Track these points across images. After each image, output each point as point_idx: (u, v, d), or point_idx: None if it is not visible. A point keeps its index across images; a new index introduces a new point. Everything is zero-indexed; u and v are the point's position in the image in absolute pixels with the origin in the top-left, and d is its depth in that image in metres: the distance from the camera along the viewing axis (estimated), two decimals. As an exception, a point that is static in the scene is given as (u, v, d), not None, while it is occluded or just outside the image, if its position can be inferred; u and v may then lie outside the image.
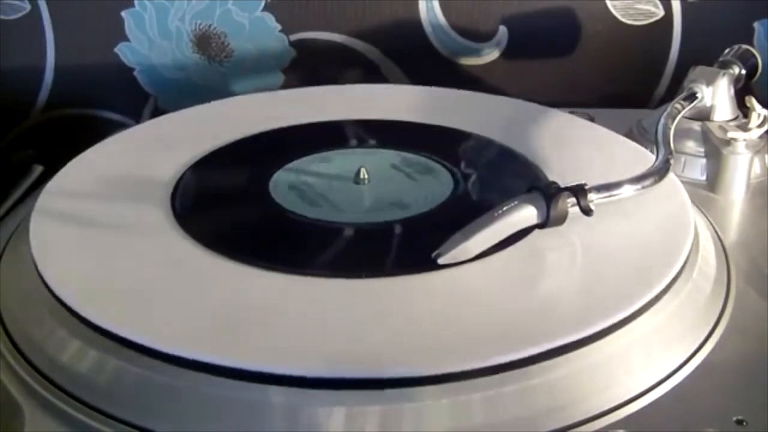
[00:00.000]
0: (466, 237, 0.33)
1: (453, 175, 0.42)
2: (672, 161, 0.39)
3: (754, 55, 0.48)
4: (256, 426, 0.27)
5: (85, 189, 0.41)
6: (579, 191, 0.34)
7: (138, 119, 0.65)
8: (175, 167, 0.43)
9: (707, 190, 0.45)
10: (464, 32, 0.63)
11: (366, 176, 0.41)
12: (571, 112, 0.51)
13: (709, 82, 0.46)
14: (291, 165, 0.43)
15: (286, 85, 0.65)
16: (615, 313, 0.30)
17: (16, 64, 0.62)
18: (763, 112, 0.45)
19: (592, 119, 0.50)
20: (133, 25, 0.62)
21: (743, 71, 0.48)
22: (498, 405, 0.28)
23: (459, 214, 0.35)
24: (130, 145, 0.46)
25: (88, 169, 0.43)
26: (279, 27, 0.63)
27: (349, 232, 0.37)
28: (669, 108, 0.44)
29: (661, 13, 0.62)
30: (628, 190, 0.36)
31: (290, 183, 0.41)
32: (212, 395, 0.28)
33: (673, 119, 0.43)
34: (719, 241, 0.39)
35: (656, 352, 0.31)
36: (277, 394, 0.28)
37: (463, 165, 0.43)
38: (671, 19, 0.62)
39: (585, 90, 0.63)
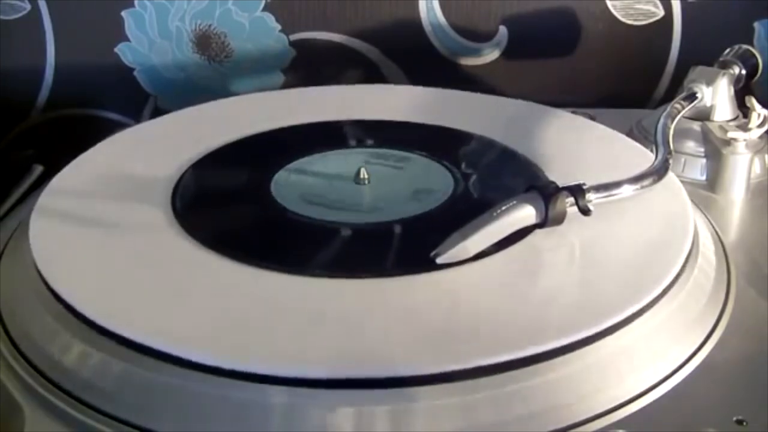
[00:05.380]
0: (465, 236, 0.33)
1: (453, 175, 0.42)
2: (671, 161, 0.39)
3: (754, 55, 0.48)
4: (256, 426, 0.27)
5: (85, 189, 0.41)
6: (577, 191, 0.34)
7: (138, 119, 0.65)
8: (175, 167, 0.43)
9: (707, 190, 0.45)
10: (464, 32, 0.63)
11: (366, 176, 0.41)
12: (572, 113, 0.51)
13: (709, 82, 0.46)
14: (291, 165, 0.43)
15: (286, 85, 0.65)
16: (615, 313, 0.30)
17: (16, 64, 0.62)
18: (763, 112, 0.45)
19: (593, 119, 0.50)
20: (133, 25, 0.62)
21: (743, 71, 0.48)
22: (498, 405, 0.28)
23: (459, 214, 0.35)
24: (130, 145, 0.46)
25: (88, 169, 0.43)
26: (279, 27, 0.63)
27: (349, 232, 0.37)
28: (669, 108, 0.44)
29: (661, 13, 0.62)
30: (627, 190, 0.36)
31: (290, 183, 0.41)
32: (212, 395, 0.28)
33: (673, 119, 0.43)
34: (719, 241, 0.39)
35: (656, 352, 0.31)
36: (277, 394, 0.28)
37: (463, 165, 0.43)
38: (671, 19, 0.62)
39: (585, 90, 0.63)
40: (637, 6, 0.62)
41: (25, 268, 0.35)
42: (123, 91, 0.64)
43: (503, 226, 0.33)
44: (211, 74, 0.64)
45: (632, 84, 0.64)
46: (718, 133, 0.45)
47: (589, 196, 0.34)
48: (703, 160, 0.46)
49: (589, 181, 0.35)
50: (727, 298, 0.35)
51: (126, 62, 0.64)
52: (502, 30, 0.63)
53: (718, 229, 0.40)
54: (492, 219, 0.33)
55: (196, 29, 0.63)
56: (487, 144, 0.46)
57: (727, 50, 0.49)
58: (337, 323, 0.30)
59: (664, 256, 0.34)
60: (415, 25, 0.62)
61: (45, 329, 0.32)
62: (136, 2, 0.62)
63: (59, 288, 0.32)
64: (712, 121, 0.46)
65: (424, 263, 0.33)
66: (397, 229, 0.37)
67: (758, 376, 0.31)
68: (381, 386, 0.28)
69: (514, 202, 0.34)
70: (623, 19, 0.62)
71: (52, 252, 0.35)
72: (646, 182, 0.36)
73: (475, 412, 0.28)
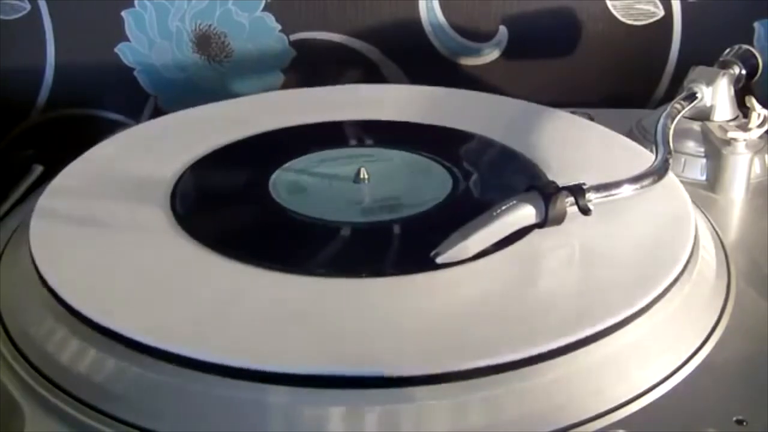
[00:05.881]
0: (465, 236, 0.33)
1: (453, 174, 0.42)
2: (671, 161, 0.39)
3: (754, 55, 0.48)
4: (256, 426, 0.27)
5: (85, 189, 0.41)
6: (577, 191, 0.34)
7: (138, 119, 0.65)
8: (175, 167, 0.43)
9: (707, 190, 0.45)
10: (464, 32, 0.63)
11: (366, 176, 0.41)
12: (572, 113, 0.51)
13: (709, 82, 0.46)
14: (291, 165, 0.43)
15: (286, 85, 0.65)
16: (615, 313, 0.30)
17: (16, 64, 0.62)
18: (763, 112, 0.45)
19: (592, 119, 0.50)
20: (133, 25, 0.62)
21: (743, 71, 0.48)
22: (498, 405, 0.28)
23: (459, 214, 0.35)
24: (130, 145, 0.46)
25: (88, 169, 0.43)
26: (279, 27, 0.63)
27: (348, 231, 0.37)
28: (669, 108, 0.44)
29: (661, 13, 0.62)
30: (626, 190, 0.36)
31: (290, 183, 0.41)
32: (212, 395, 0.28)
33: (673, 119, 0.43)
34: (719, 241, 0.39)
35: (656, 352, 0.31)
36: (277, 394, 0.28)
37: (463, 165, 0.43)
38: (671, 19, 0.62)
39: (585, 90, 0.63)
40: (637, 6, 0.62)
41: (25, 268, 0.35)
42: (123, 91, 0.64)
43: (503, 226, 0.33)
44: (211, 74, 0.64)
45: (632, 84, 0.64)
46: (718, 133, 0.45)
47: (589, 195, 0.34)
48: (703, 160, 0.46)
49: (589, 181, 0.35)
50: (727, 298, 0.35)
51: (126, 62, 0.64)
52: (502, 30, 0.63)
53: (718, 229, 0.40)
54: (492, 219, 0.33)
55: (196, 29, 0.63)
56: (487, 144, 0.46)
57: (727, 50, 0.49)
58: (337, 323, 0.30)
59: (665, 257, 0.34)
60: (415, 25, 0.62)
61: (45, 329, 0.32)
62: (136, 2, 0.62)
63: (59, 288, 0.32)
64: (712, 121, 0.46)
65: (424, 263, 0.33)
66: (397, 228, 0.37)
67: (758, 376, 0.31)
68: (380, 386, 0.28)
69: (514, 201, 0.34)
70: (623, 19, 0.62)
71: (52, 252, 0.35)
72: (646, 182, 0.36)
73: (475, 411, 0.28)
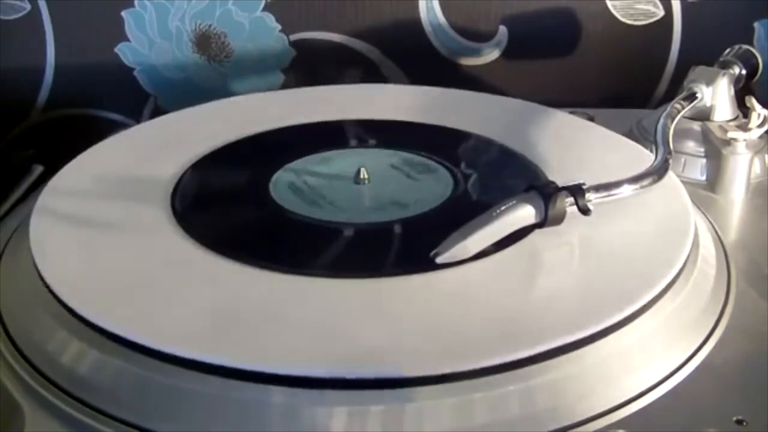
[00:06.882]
0: (464, 236, 0.33)
1: (453, 175, 0.42)
2: (671, 161, 0.39)
3: (754, 55, 0.48)
4: (256, 426, 0.27)
5: (85, 189, 0.41)
6: (577, 191, 0.34)
7: (138, 119, 0.65)
8: (175, 167, 0.43)
9: (707, 190, 0.45)
10: (464, 32, 0.63)
11: (366, 176, 0.41)
12: (572, 112, 0.51)
13: (709, 82, 0.46)
14: (291, 165, 0.43)
15: (286, 85, 0.65)
16: (615, 313, 0.30)
17: (16, 64, 0.62)
18: (763, 112, 0.45)
19: (592, 119, 0.50)
20: (133, 25, 0.62)
21: (743, 71, 0.48)
22: (497, 405, 0.28)
23: (459, 214, 0.35)
24: (130, 145, 0.46)
25: (88, 169, 0.43)
26: (279, 27, 0.63)
27: (349, 232, 0.37)
28: (669, 108, 0.44)
29: (661, 13, 0.62)
30: (626, 190, 0.36)
31: (290, 183, 0.41)
32: (212, 395, 0.28)
33: (673, 119, 0.43)
34: (719, 241, 0.39)
35: (656, 352, 0.31)
36: (277, 394, 0.28)
37: (462, 165, 0.43)
38: (671, 19, 0.62)
39: (585, 90, 0.63)
40: (637, 6, 0.62)
41: (25, 268, 0.35)
42: (123, 91, 0.64)
43: (503, 226, 0.33)
44: (211, 74, 0.64)
45: (632, 84, 0.64)
46: (718, 133, 0.45)
47: (589, 195, 0.34)
48: (703, 160, 0.46)
49: (588, 181, 0.35)
50: (727, 298, 0.35)
51: (126, 62, 0.64)
52: (502, 30, 0.63)
53: (718, 229, 0.40)
54: (492, 219, 0.33)
55: (196, 29, 0.63)
56: (487, 144, 0.46)
57: (727, 50, 0.49)
58: (337, 323, 0.30)
59: (664, 256, 0.34)
60: (415, 25, 0.62)
61: (45, 329, 0.32)
62: (136, 2, 0.62)
63: (59, 288, 0.32)
64: (712, 121, 0.46)
65: (424, 263, 0.33)
66: (397, 229, 0.37)
67: (758, 376, 0.31)
68: (380, 386, 0.28)
69: (514, 201, 0.34)
70: (623, 19, 0.62)
71: (52, 252, 0.35)
72: (645, 182, 0.36)
73: (475, 412, 0.28)
